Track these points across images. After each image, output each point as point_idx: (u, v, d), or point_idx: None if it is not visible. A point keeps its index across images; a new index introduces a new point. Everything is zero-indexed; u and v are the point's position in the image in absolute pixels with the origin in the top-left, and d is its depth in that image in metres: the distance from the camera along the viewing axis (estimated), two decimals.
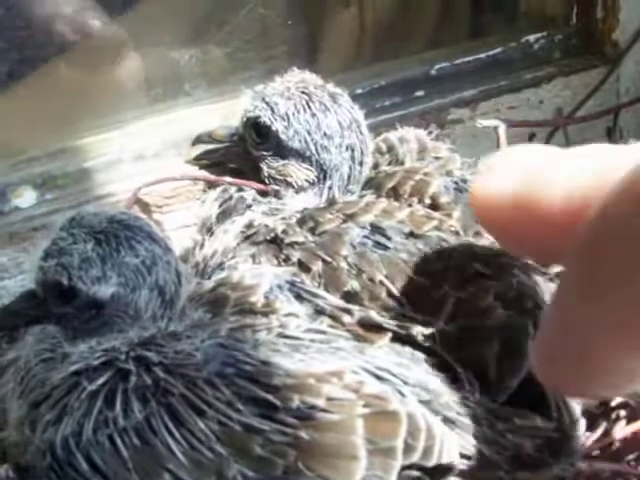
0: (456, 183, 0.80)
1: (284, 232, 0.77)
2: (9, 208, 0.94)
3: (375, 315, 0.68)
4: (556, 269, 0.71)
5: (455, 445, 0.60)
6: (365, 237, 0.74)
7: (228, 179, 0.87)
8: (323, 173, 0.82)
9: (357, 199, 0.80)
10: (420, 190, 0.79)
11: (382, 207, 0.77)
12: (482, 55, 1.16)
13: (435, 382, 0.64)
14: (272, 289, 0.68)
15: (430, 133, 0.89)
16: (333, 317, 0.66)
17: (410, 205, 0.78)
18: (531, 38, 1.18)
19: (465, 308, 0.69)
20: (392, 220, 0.75)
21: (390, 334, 0.66)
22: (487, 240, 0.73)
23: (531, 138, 1.11)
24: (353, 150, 0.83)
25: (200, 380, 0.59)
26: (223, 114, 0.89)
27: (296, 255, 0.74)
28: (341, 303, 0.68)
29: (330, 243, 0.74)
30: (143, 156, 0.98)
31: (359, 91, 1.03)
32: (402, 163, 0.84)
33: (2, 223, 0.92)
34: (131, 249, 0.64)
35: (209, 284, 0.70)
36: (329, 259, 0.73)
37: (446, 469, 0.60)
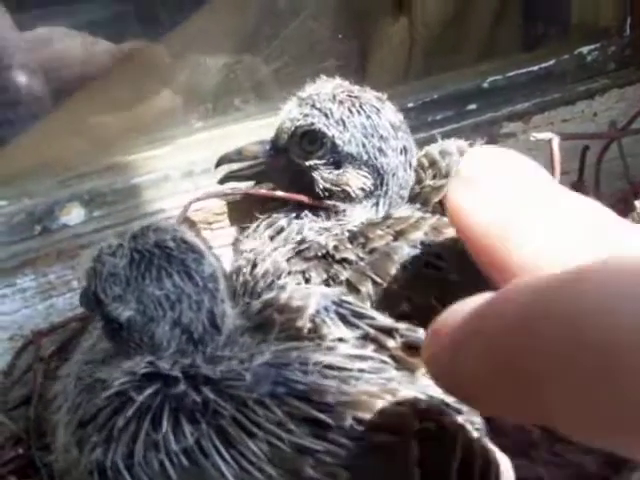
0: None
1: (335, 248, 0.74)
2: (57, 225, 0.93)
3: (423, 335, 0.65)
4: None
5: (511, 469, 0.58)
6: (415, 256, 0.71)
7: (280, 193, 0.84)
8: (380, 178, 0.79)
9: (408, 215, 0.77)
10: None
11: (431, 223, 0.74)
12: (535, 67, 1.14)
13: None
14: (319, 312, 0.65)
15: (471, 145, 0.85)
16: (377, 341, 0.63)
17: None
18: (584, 50, 1.17)
19: None
20: (441, 237, 0.72)
21: None
22: None
23: (585, 151, 1.08)
24: (406, 152, 0.80)
25: (251, 401, 0.57)
26: (274, 129, 0.87)
27: (345, 274, 0.72)
28: (387, 323, 0.65)
29: (380, 263, 0.71)
30: (192, 172, 0.97)
31: (410, 105, 1.01)
32: (446, 176, 0.81)
33: (50, 240, 0.91)
34: (158, 280, 0.62)
35: (256, 305, 0.68)
36: (379, 280, 0.71)
37: None
